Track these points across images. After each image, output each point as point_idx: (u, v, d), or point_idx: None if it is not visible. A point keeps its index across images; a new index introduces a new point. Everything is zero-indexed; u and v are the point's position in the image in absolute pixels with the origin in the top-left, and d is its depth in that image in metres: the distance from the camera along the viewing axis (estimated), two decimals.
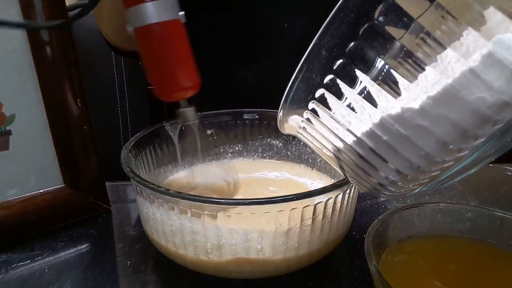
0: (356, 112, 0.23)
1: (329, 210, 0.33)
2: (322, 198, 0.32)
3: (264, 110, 0.49)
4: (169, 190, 0.31)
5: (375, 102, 0.22)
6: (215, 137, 0.49)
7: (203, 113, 0.47)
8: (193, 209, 0.31)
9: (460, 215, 0.34)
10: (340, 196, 0.33)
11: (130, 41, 0.60)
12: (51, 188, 0.43)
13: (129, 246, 0.40)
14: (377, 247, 0.31)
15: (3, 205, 0.40)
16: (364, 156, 0.23)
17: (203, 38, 0.57)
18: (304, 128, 0.27)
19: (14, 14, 0.38)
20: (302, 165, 0.48)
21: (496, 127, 0.18)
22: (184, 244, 0.33)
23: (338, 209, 0.34)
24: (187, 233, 0.33)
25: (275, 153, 0.50)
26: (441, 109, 0.19)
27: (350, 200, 0.35)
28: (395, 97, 0.21)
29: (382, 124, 0.21)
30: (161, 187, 0.32)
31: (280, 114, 0.27)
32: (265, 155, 0.50)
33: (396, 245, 0.33)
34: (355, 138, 0.23)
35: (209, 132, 0.48)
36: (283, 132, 0.30)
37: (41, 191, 0.42)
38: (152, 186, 0.32)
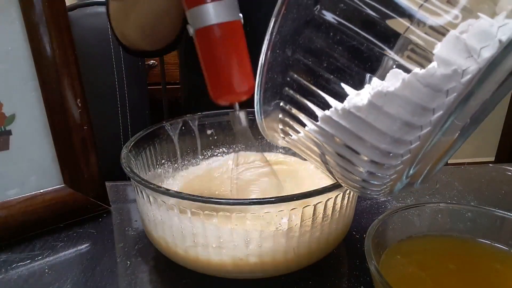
0: (319, 107, 0.23)
1: (329, 210, 0.33)
2: (322, 198, 0.32)
3: None
4: (169, 190, 0.31)
5: (333, 94, 0.22)
6: (215, 137, 0.49)
7: (203, 113, 0.47)
8: (193, 209, 0.31)
9: (460, 215, 0.34)
10: (340, 196, 0.33)
11: (154, 42, 0.59)
12: (51, 188, 0.43)
13: (129, 246, 0.40)
14: (377, 247, 0.31)
15: (3, 205, 0.40)
16: (339, 152, 0.23)
17: None
18: (284, 132, 0.27)
19: (14, 13, 0.38)
20: (302, 165, 0.48)
21: (450, 97, 0.19)
22: (184, 244, 0.33)
23: (338, 209, 0.34)
24: (187, 233, 0.33)
25: (275, 153, 0.50)
26: (395, 92, 0.20)
27: (350, 200, 0.35)
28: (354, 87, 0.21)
29: (344, 113, 0.22)
30: (161, 187, 0.32)
31: (259, 119, 0.26)
32: (265, 155, 0.50)
33: (396, 245, 0.33)
34: (324, 132, 0.23)
35: (209, 132, 0.48)
36: (268, 138, 0.29)
37: (41, 191, 0.42)
38: (152, 186, 0.32)
